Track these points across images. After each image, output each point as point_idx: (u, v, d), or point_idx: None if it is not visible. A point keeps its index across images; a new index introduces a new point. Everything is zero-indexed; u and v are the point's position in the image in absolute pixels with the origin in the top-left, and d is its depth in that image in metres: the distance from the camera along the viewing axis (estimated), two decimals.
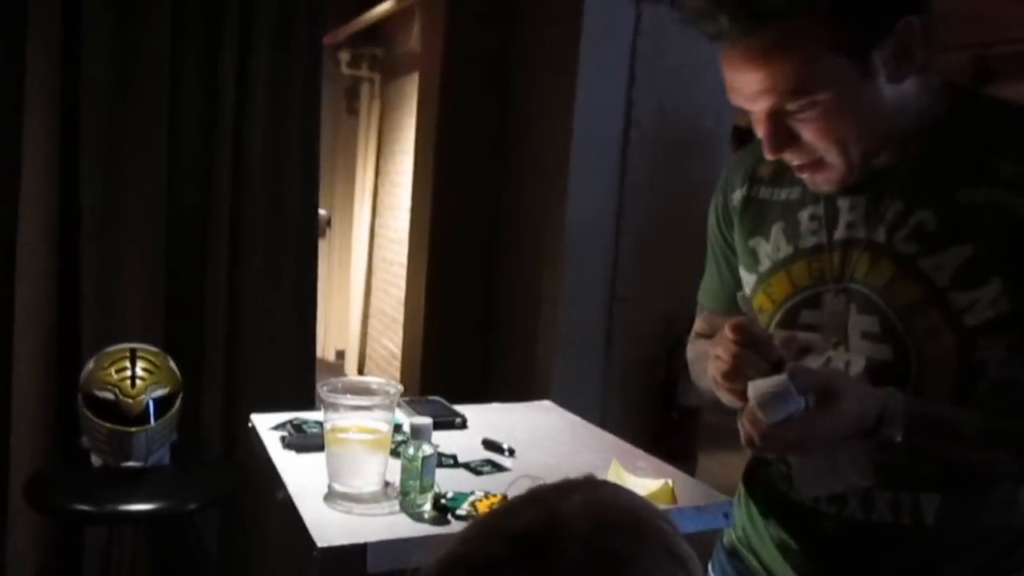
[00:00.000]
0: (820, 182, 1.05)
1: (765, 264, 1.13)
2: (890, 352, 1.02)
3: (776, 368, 0.97)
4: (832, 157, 1.00)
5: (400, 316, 4.13)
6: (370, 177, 5.03)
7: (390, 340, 4.58)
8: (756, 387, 0.95)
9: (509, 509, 0.66)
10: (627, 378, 2.93)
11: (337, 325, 5.33)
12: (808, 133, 0.98)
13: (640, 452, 1.50)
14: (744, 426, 0.97)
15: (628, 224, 2.91)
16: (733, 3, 0.93)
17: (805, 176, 1.05)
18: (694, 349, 1.29)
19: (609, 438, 1.58)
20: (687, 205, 2.85)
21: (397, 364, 3.63)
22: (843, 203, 1.06)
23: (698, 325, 1.31)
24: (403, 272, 3.78)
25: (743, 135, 3.23)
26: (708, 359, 1.08)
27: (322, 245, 2.77)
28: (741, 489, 1.26)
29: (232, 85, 2.26)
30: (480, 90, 2.78)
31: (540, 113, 2.81)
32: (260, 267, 2.35)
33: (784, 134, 0.99)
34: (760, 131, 1.02)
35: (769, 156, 1.03)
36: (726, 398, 1.03)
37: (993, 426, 0.99)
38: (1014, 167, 0.96)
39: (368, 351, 5.10)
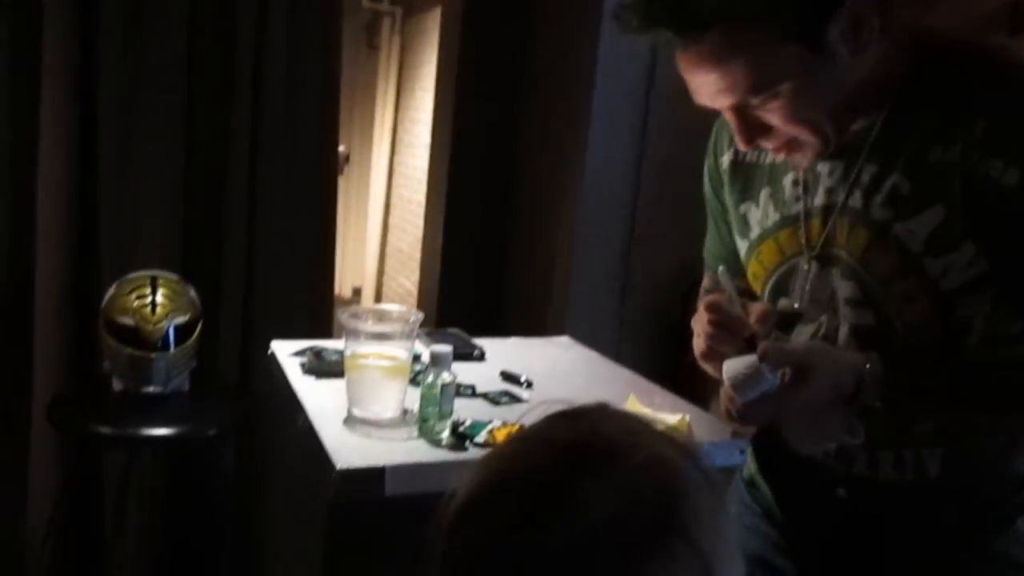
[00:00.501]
0: (800, 160, 1.03)
1: (755, 231, 1.13)
2: (872, 317, 1.02)
3: (750, 344, 0.97)
4: (805, 136, 0.99)
5: (417, 255, 4.13)
6: (389, 114, 4.98)
7: (406, 278, 4.58)
8: (728, 367, 0.96)
9: (548, 426, 0.66)
10: (643, 320, 2.93)
11: (353, 262, 5.33)
12: (776, 120, 0.97)
13: (656, 388, 1.51)
14: (723, 400, 0.99)
15: (649, 167, 2.89)
16: (670, 17, 0.90)
17: (784, 156, 1.04)
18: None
19: (626, 373, 1.59)
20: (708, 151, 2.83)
21: (413, 302, 3.65)
22: (822, 168, 1.05)
23: (706, 281, 1.31)
24: (421, 211, 3.76)
25: None
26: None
27: (340, 182, 2.76)
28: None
29: (252, 19, 2.23)
30: (502, 27, 2.74)
31: (563, 51, 2.76)
32: (279, 202, 2.34)
33: (753, 125, 0.98)
34: (730, 123, 1.00)
35: (743, 148, 1.02)
36: (709, 371, 1.04)
37: (977, 386, 0.99)
38: (987, 123, 0.93)
39: (384, 289, 5.11)
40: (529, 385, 1.45)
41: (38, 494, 2.19)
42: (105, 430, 1.92)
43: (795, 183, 1.08)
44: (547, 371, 1.53)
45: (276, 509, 2.41)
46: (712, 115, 1.09)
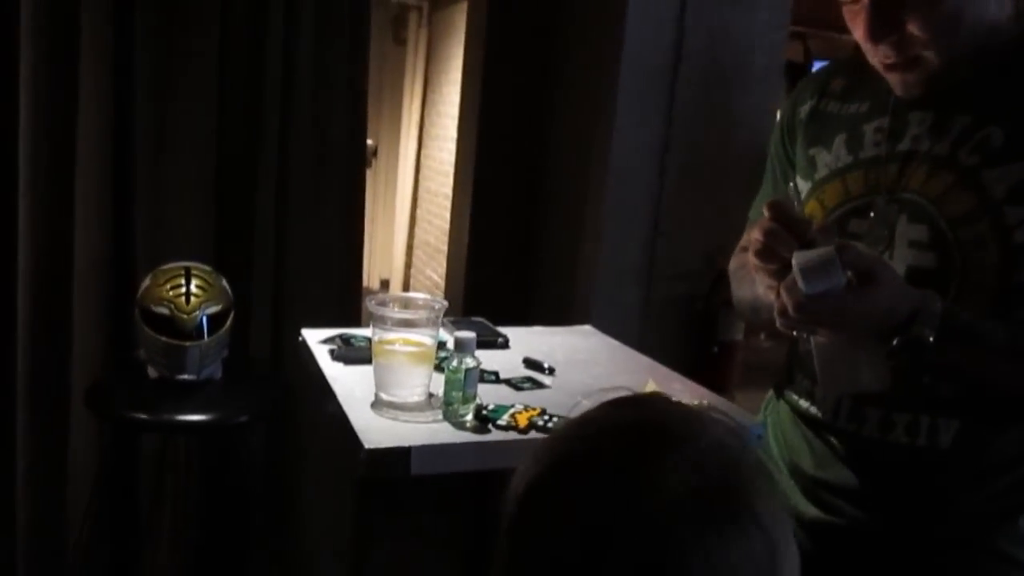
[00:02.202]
0: (909, 82, 1.06)
1: (822, 172, 1.16)
2: (934, 260, 1.04)
3: (808, 247, 0.97)
4: (930, 55, 1.02)
5: (444, 247, 4.17)
6: (416, 107, 5.03)
7: (433, 271, 4.63)
8: (801, 256, 0.94)
9: (613, 410, 0.68)
10: (666, 311, 2.95)
11: (381, 255, 5.40)
12: (918, 25, 1.00)
13: (676, 375, 1.53)
14: (780, 296, 0.98)
15: (673, 159, 2.90)
16: None
17: (894, 75, 1.07)
18: (736, 260, 1.32)
19: (646, 361, 1.61)
20: (734, 141, 2.84)
21: (440, 295, 3.69)
22: (912, 116, 1.08)
23: (744, 239, 1.34)
24: (448, 203, 3.80)
25: (795, 70, 3.18)
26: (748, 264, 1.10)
27: (367, 175, 2.80)
28: (762, 416, 1.30)
29: (281, 14, 2.28)
30: (528, 21, 2.77)
31: (589, 44, 2.79)
32: (308, 195, 2.39)
33: (888, 21, 1.01)
34: (857, 26, 1.03)
35: (868, 44, 1.04)
36: (762, 283, 1.03)
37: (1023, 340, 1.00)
38: None
39: (412, 281, 5.16)
40: (551, 372, 1.48)
41: (77, 478, 2.26)
42: (141, 416, 1.98)
43: (878, 130, 1.11)
44: (569, 358, 1.57)
45: (306, 491, 2.47)
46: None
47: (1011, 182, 1.00)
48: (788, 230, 0.98)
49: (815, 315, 0.97)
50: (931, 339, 0.97)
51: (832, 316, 0.97)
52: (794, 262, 0.95)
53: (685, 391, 1.44)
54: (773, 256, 0.99)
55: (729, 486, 0.62)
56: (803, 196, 1.19)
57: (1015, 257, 1.00)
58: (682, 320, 3.00)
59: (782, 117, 1.29)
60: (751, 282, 1.17)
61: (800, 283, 0.94)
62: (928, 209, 1.05)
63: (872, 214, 1.10)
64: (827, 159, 1.16)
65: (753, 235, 1.02)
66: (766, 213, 1.00)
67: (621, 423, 0.66)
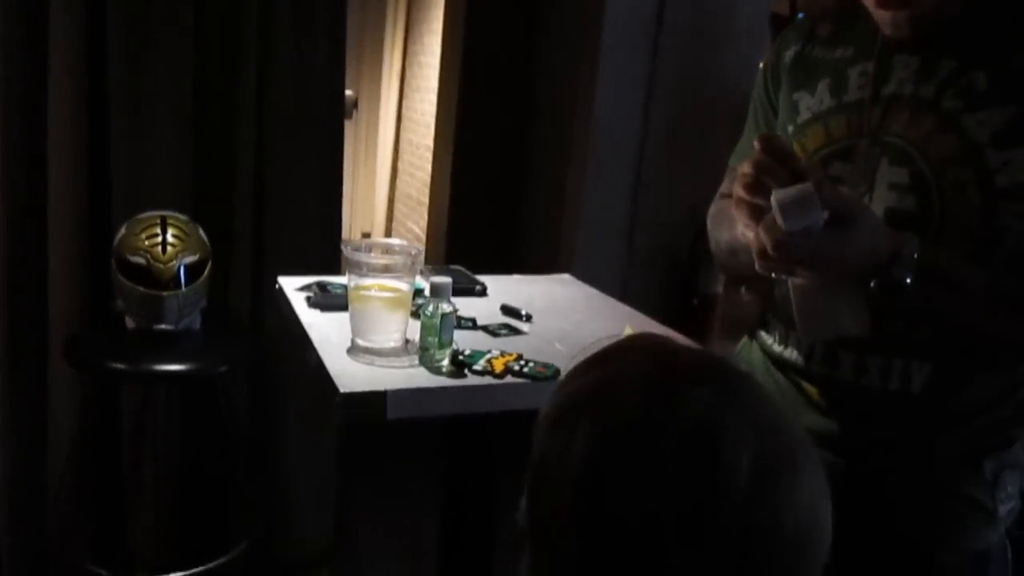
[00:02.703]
0: (899, 21, 1.06)
1: (804, 116, 1.16)
2: (915, 203, 1.04)
3: (796, 180, 0.97)
4: None
5: (425, 199, 4.14)
6: (397, 58, 4.96)
7: (415, 223, 4.61)
8: (780, 192, 0.94)
9: (627, 346, 0.68)
10: (648, 263, 2.95)
11: (362, 207, 5.36)
12: None
13: (654, 322, 1.54)
14: (759, 235, 0.98)
15: (657, 110, 2.88)
16: None
17: (886, 13, 1.06)
18: (715, 206, 1.32)
19: (625, 309, 1.62)
20: (718, 93, 2.82)
21: (422, 247, 3.68)
22: (898, 60, 1.08)
23: (724, 186, 1.34)
24: (429, 155, 3.77)
25: (780, 22, 3.16)
26: (729, 208, 1.10)
27: (348, 127, 2.77)
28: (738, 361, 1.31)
29: None
30: None
31: None
32: (287, 146, 2.36)
33: None
34: None
35: None
36: (742, 221, 1.03)
37: (1001, 285, 1.02)
38: None
39: (393, 234, 5.14)
40: (529, 319, 1.49)
41: (57, 430, 2.25)
42: (120, 366, 1.97)
43: (863, 73, 1.11)
44: (547, 306, 1.57)
45: (287, 440, 2.48)
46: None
47: (994, 126, 1.00)
48: (778, 163, 0.98)
49: (793, 252, 0.97)
50: (908, 281, 0.97)
51: (811, 254, 0.96)
52: (773, 198, 0.94)
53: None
54: (761, 189, 0.98)
55: (781, 432, 0.62)
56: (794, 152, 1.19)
57: (996, 201, 1.01)
58: (663, 272, 3.01)
59: (766, 64, 1.28)
60: (730, 225, 1.17)
61: (779, 219, 0.94)
62: (910, 152, 1.05)
63: (855, 157, 1.09)
64: (810, 103, 1.16)
65: (742, 169, 1.01)
66: (757, 146, 1.00)
67: (638, 357, 0.65)
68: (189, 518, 2.42)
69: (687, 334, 1.56)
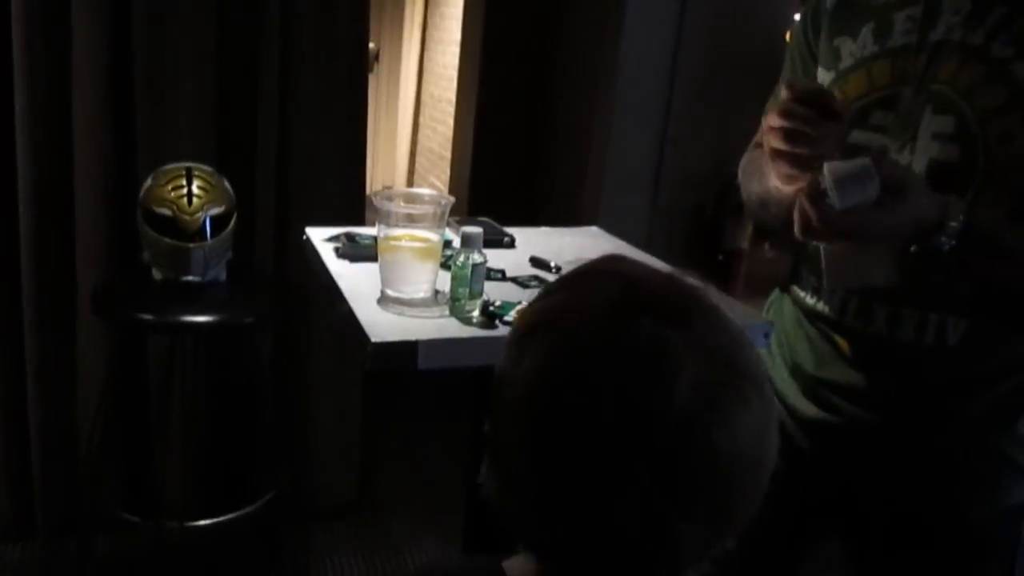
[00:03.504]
0: None
1: (847, 62, 1.12)
2: (958, 154, 1.02)
3: (833, 120, 0.94)
4: None
5: (447, 154, 4.12)
6: (419, 10, 4.91)
7: (436, 178, 4.59)
8: (834, 168, 0.91)
9: (595, 287, 0.68)
10: (673, 218, 2.93)
11: (384, 161, 5.34)
12: None
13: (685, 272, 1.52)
14: (804, 209, 0.95)
15: (684, 63, 2.84)
16: None
17: None
18: (748, 155, 1.30)
19: (656, 262, 1.60)
20: (749, 44, 2.76)
21: (452, 197, 3.67)
22: (947, 4, 1.04)
23: (759, 135, 1.31)
24: (451, 109, 3.74)
25: None
26: (761, 159, 1.08)
27: (369, 81, 2.74)
28: (767, 315, 1.29)
29: None
30: None
31: None
32: (310, 98, 2.34)
33: None
34: None
35: None
36: (779, 173, 1.01)
37: None
38: None
39: (415, 188, 5.13)
40: (558, 270, 1.47)
41: (86, 382, 2.28)
42: (148, 317, 1.98)
43: (909, 18, 1.07)
44: (576, 257, 1.54)
45: (313, 390, 2.50)
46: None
47: None
48: (809, 105, 0.95)
49: (841, 228, 0.94)
50: (947, 248, 0.95)
51: (859, 229, 0.94)
52: (827, 174, 0.91)
53: None
54: (799, 138, 0.96)
55: (732, 360, 0.63)
56: (824, 86, 1.15)
57: None
58: (688, 227, 2.98)
59: (807, 8, 1.25)
60: (761, 177, 1.15)
61: (834, 196, 0.90)
62: (956, 101, 1.02)
63: (898, 106, 1.06)
64: (852, 48, 1.12)
65: (770, 121, 0.99)
66: (785, 94, 0.98)
67: (616, 303, 0.65)
68: (216, 467, 2.45)
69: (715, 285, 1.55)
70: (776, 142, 0.99)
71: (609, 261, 0.70)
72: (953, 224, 0.95)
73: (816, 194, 0.93)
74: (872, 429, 1.13)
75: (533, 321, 0.68)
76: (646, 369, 0.60)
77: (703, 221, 2.97)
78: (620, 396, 0.60)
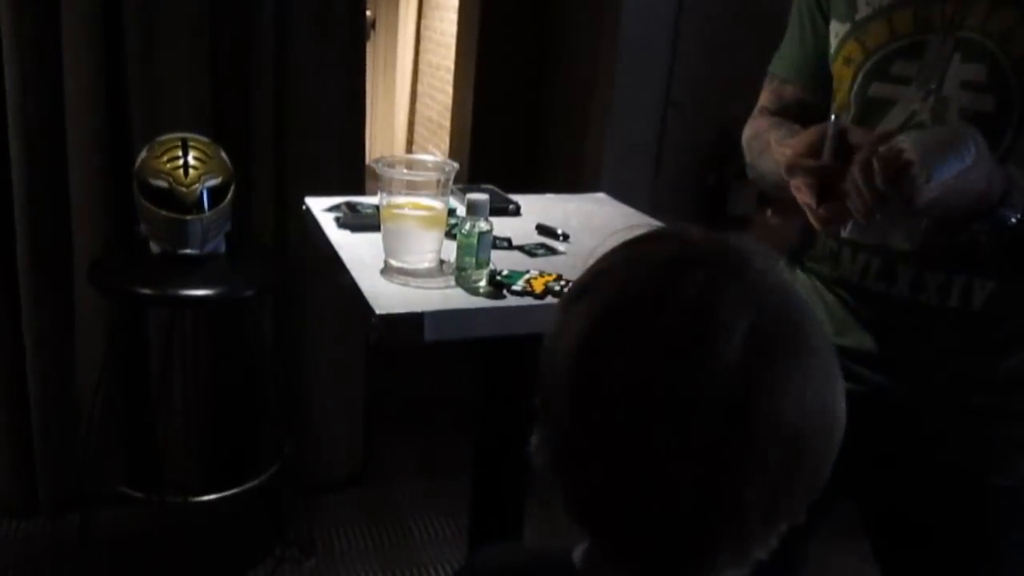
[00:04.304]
0: None
1: (864, 11, 1.07)
2: (993, 103, 0.98)
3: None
4: None
5: (446, 123, 4.07)
6: None
7: (436, 147, 4.54)
8: (919, 140, 0.83)
9: (643, 251, 0.64)
10: (677, 184, 2.89)
11: (382, 132, 5.29)
12: None
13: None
14: (856, 193, 0.90)
15: (687, 28, 2.79)
16: None
17: None
18: (754, 125, 1.25)
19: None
20: (752, 7, 2.71)
21: (456, 164, 3.63)
22: None
23: (764, 98, 1.27)
24: (450, 77, 3.69)
25: None
26: (771, 142, 1.04)
27: (367, 49, 2.68)
28: None
29: None
30: None
31: None
32: (307, 67, 2.29)
33: None
34: None
35: None
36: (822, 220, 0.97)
37: None
38: None
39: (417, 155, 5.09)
40: (565, 238, 1.44)
41: (85, 354, 2.26)
42: (146, 291, 1.95)
43: None
44: (583, 225, 1.52)
45: (315, 362, 2.47)
46: None
47: None
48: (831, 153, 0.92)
49: (925, 204, 0.86)
50: (1015, 221, 0.91)
51: (927, 205, 0.87)
52: (909, 146, 0.82)
53: None
54: (833, 194, 0.92)
55: (786, 315, 0.60)
56: (837, 42, 1.11)
57: None
58: (692, 194, 2.95)
59: None
60: (776, 161, 1.11)
61: (922, 170, 0.82)
62: (989, 47, 0.98)
63: (924, 54, 1.02)
64: None
65: (794, 186, 0.96)
66: (791, 155, 0.94)
67: (667, 260, 0.61)
68: (220, 441, 2.44)
69: None
70: (809, 199, 0.95)
71: (665, 228, 0.67)
72: (1019, 194, 0.91)
73: (896, 170, 0.85)
74: (894, 396, 1.11)
75: (582, 283, 0.64)
76: (697, 325, 0.57)
77: (707, 187, 2.94)
78: (672, 355, 0.56)
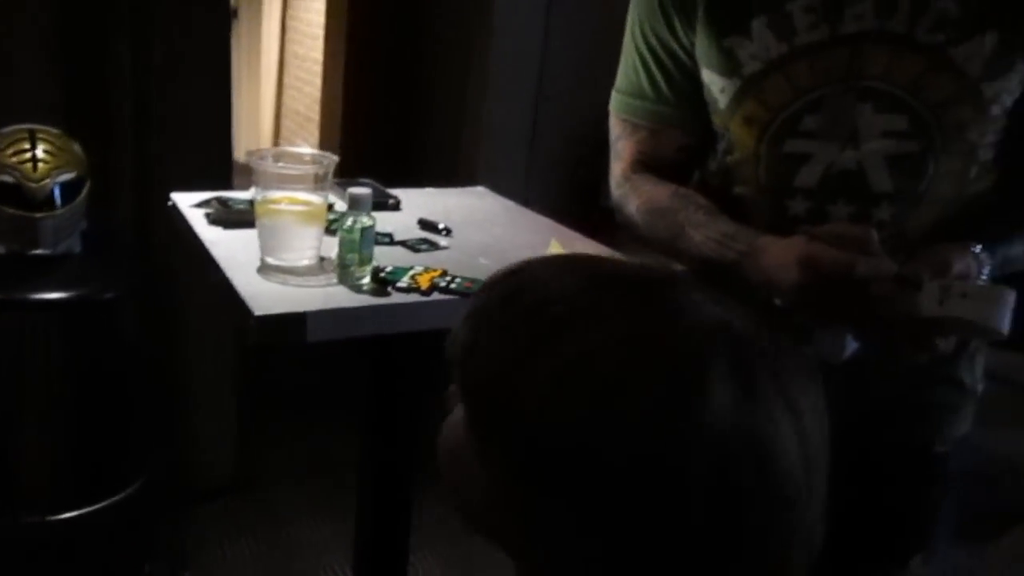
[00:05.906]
0: None
1: (752, 65, 1.01)
2: (917, 147, 0.99)
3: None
4: None
5: (315, 115, 3.97)
6: None
7: (304, 140, 4.43)
8: (973, 306, 0.84)
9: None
10: (550, 177, 2.91)
11: (248, 125, 5.10)
12: None
13: (576, 234, 1.49)
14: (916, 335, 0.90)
15: (557, 21, 2.81)
16: None
17: None
18: (644, 194, 1.14)
19: (546, 221, 1.57)
20: (623, 5, 2.75)
21: (335, 157, 3.54)
22: None
23: (629, 149, 1.17)
24: (318, 68, 3.60)
25: None
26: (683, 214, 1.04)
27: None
28: None
29: None
30: None
31: None
32: (167, 55, 2.17)
33: None
34: None
35: None
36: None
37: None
38: None
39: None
40: (448, 232, 1.41)
41: None
42: None
43: (808, 10, 0.97)
44: (465, 219, 1.49)
45: (188, 363, 2.37)
46: None
47: (984, 56, 0.94)
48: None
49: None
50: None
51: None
52: (971, 311, 0.85)
53: (589, 249, 1.40)
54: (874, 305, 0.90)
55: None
56: (727, 98, 1.05)
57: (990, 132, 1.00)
58: (566, 183, 2.97)
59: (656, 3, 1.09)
60: (686, 239, 1.06)
61: (996, 326, 0.85)
62: (902, 96, 0.97)
63: (831, 107, 0.99)
64: (752, 50, 1.01)
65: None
66: (807, 274, 0.90)
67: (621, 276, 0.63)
68: (81, 455, 2.28)
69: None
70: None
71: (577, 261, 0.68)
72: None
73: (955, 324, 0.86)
74: (841, 366, 1.12)
75: (556, 316, 0.59)
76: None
77: (579, 178, 2.97)
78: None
